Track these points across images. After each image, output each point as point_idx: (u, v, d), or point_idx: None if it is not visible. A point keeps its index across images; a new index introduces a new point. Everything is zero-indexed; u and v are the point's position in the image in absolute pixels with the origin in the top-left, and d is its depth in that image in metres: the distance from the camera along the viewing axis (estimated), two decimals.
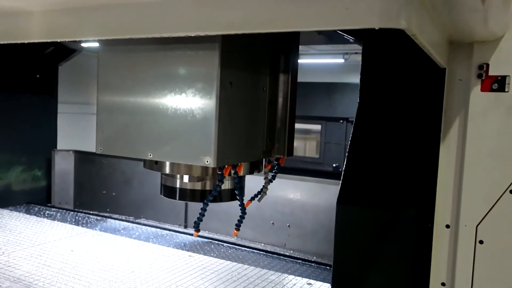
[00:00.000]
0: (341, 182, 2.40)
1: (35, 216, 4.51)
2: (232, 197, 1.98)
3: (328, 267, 3.44)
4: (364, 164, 2.39)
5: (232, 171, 1.82)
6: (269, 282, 2.94)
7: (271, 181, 2.25)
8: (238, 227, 1.97)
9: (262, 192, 2.20)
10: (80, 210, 5.21)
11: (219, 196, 1.90)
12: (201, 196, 1.93)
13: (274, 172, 2.21)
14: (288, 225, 4.40)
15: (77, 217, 4.79)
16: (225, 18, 1.35)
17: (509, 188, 1.95)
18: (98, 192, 5.48)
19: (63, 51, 5.64)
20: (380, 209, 2.28)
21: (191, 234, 4.36)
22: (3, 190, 5.08)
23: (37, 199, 5.47)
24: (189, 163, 1.74)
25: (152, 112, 1.78)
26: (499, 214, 1.97)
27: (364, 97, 2.39)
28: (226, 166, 1.75)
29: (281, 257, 3.85)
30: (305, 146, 11.35)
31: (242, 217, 1.96)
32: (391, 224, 2.26)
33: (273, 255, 3.89)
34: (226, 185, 1.95)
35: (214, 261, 3.30)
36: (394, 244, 2.24)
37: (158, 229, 4.47)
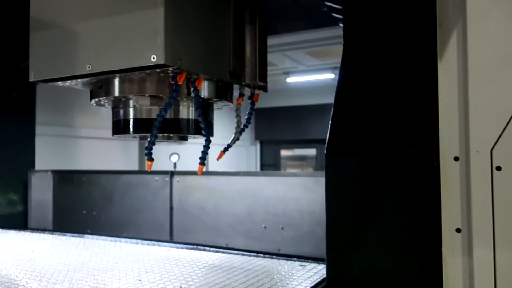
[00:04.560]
0: (328, 131, 2.09)
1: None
2: (196, 130, 1.65)
3: None
4: (353, 106, 2.08)
5: (192, 87, 1.51)
6: (257, 265, 2.55)
7: (246, 127, 1.93)
8: (202, 160, 1.61)
9: (234, 134, 1.87)
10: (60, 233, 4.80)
11: (178, 125, 1.57)
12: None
13: (248, 113, 1.90)
14: (282, 227, 4.00)
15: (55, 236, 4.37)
16: None
17: None
18: (78, 213, 5.08)
19: None
20: (377, 153, 1.95)
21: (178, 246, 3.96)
22: None
23: (13, 224, 5.05)
24: (132, 66, 1.43)
25: (87, 24, 1.49)
26: None
27: (349, 31, 2.12)
28: (181, 73, 1.44)
29: (274, 256, 3.44)
30: None
31: (206, 147, 1.60)
32: (391, 168, 1.91)
33: (265, 256, 3.47)
34: (190, 114, 1.63)
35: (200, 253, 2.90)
36: (396, 191, 1.89)
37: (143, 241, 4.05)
